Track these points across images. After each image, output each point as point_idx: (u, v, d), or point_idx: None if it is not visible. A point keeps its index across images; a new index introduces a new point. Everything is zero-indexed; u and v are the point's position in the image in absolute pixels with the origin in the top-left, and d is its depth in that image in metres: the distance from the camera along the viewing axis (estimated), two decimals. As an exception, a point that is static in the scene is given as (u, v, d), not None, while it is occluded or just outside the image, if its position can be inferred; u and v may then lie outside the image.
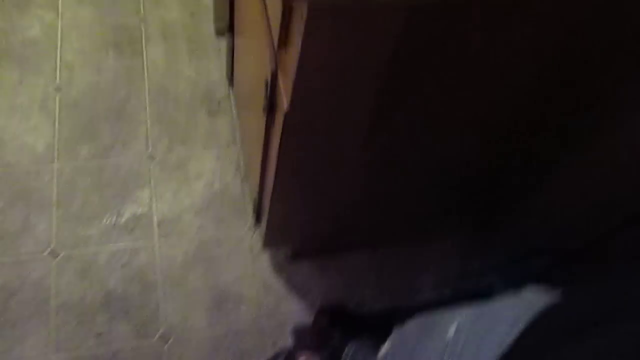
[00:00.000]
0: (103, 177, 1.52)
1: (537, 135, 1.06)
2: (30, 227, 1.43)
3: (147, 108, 1.64)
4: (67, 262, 1.40)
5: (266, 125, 0.97)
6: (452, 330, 0.65)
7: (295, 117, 0.79)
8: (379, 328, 0.94)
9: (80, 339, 1.32)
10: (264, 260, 1.47)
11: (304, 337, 1.39)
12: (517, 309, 0.60)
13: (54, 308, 1.34)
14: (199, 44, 1.79)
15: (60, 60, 1.69)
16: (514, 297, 0.63)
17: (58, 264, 1.39)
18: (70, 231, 1.44)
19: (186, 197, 1.53)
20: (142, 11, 1.83)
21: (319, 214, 1.25)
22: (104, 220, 1.46)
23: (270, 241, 1.40)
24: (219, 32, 1.78)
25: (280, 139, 0.85)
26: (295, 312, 1.43)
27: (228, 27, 1.48)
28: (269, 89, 0.89)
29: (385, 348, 0.86)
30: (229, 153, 1.61)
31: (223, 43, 1.71)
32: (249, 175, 1.50)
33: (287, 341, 1.39)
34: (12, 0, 1.76)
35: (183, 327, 1.37)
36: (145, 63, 1.72)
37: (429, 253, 1.54)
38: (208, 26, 1.82)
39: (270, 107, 0.91)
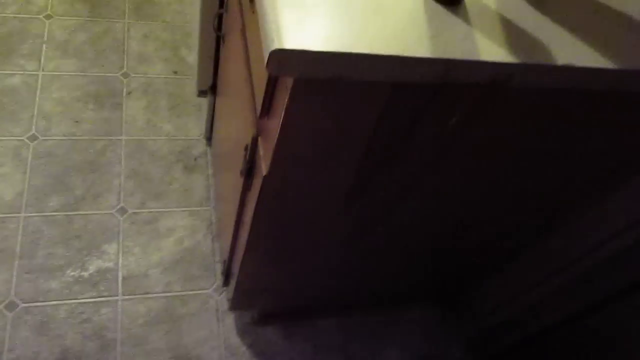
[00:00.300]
0: (71, 229, 1.50)
1: (511, 218, 1.10)
2: (-11, 277, 1.38)
3: (123, 161, 1.65)
4: (25, 315, 1.35)
5: (243, 188, 0.98)
6: None
7: (273, 182, 0.81)
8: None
9: (29, 399, 1.25)
10: (229, 322, 1.44)
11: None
12: None
13: (5, 364, 1.28)
14: (180, 101, 1.82)
15: (38, 110, 1.69)
16: None
17: (15, 317, 1.34)
18: (31, 283, 1.39)
19: (155, 253, 1.51)
20: (125, 66, 1.87)
21: (290, 279, 1.25)
22: (68, 273, 1.43)
23: (237, 304, 1.38)
24: (200, 92, 1.82)
25: (257, 202, 0.86)
26: (259, 378, 1.39)
27: (210, 87, 1.52)
28: (248, 152, 0.91)
29: None
30: (202, 211, 1.61)
31: (204, 102, 1.75)
32: (221, 235, 1.49)
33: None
34: (5, 50, 1.78)
35: (140, 390, 1.31)
36: (124, 117, 1.74)
37: (398, 324, 1.54)
38: (190, 84, 1.86)
39: (249, 171, 0.93)
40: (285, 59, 0.57)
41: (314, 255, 1.12)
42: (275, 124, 0.74)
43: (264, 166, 0.80)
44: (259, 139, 0.86)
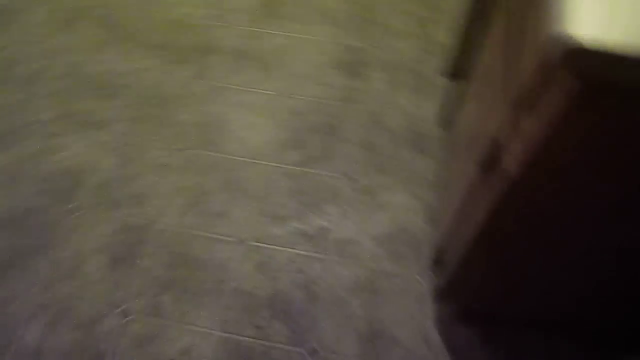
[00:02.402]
0: (301, 184, 1.62)
1: None
2: (230, 211, 1.57)
3: (357, 130, 1.71)
4: (251, 252, 1.51)
5: (479, 181, 0.93)
6: None
7: (520, 187, 0.74)
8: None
9: (241, 325, 1.41)
10: (429, 311, 1.42)
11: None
12: None
13: (229, 290, 1.45)
14: (424, 81, 1.81)
15: (294, 69, 1.84)
16: None
17: (243, 251, 1.51)
18: (261, 225, 1.55)
19: (369, 223, 1.54)
20: (376, 37, 1.91)
21: (512, 287, 1.16)
22: (292, 224, 1.55)
23: (442, 294, 1.34)
24: (446, 73, 1.78)
25: (496, 203, 0.80)
26: (447, 374, 1.35)
27: (458, 69, 1.47)
28: (493, 147, 0.85)
29: None
30: (425, 194, 1.59)
31: (448, 83, 1.70)
32: (439, 222, 1.46)
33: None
34: (275, 13, 1.98)
35: (332, 348, 1.38)
36: (366, 87, 1.79)
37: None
38: (436, 64, 1.83)
39: (489, 166, 0.86)
40: (582, 55, 0.49)
41: (546, 272, 1.02)
42: (538, 124, 0.66)
43: (513, 166, 0.73)
44: (512, 135, 0.79)
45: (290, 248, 1.52)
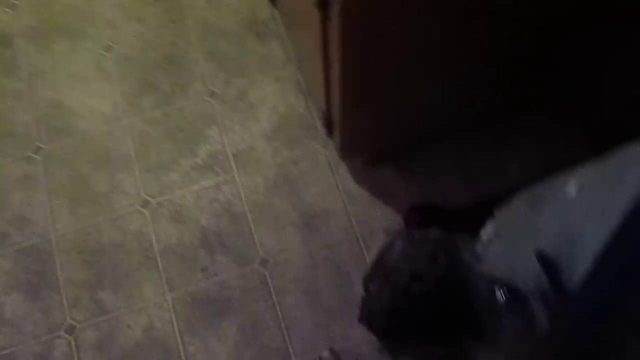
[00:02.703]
0: (171, 123, 1.54)
1: None
2: (118, 184, 1.48)
3: (196, 46, 1.63)
4: (159, 209, 1.45)
5: (322, 22, 0.92)
6: (572, 189, 0.59)
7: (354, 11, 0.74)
8: (472, 221, 0.91)
9: (187, 276, 1.39)
10: (344, 171, 1.46)
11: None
12: None
13: (158, 253, 1.41)
14: (231, -30, 1.73)
15: (102, 20, 1.69)
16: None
17: (151, 213, 1.45)
18: (154, 180, 1.48)
19: (254, 126, 1.53)
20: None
21: (392, 110, 1.21)
22: (183, 164, 1.50)
23: (346, 150, 1.38)
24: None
25: (341, 29, 0.80)
26: (385, 216, 1.42)
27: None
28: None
29: (487, 233, 0.81)
30: (287, 73, 1.58)
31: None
32: (313, 89, 1.47)
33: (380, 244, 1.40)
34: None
35: (279, 249, 1.40)
36: (183, 1, 1.69)
37: (512, 139, 1.47)
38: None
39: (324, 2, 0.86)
40: None
41: (411, 77, 1.06)
42: None
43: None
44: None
45: (193, 186, 1.48)
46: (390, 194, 1.44)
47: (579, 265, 0.49)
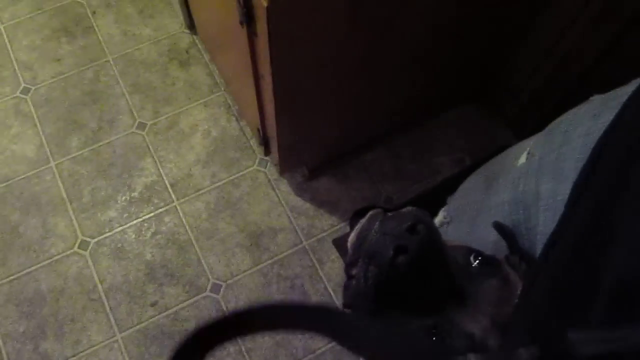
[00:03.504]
0: (102, 160, 1.50)
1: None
2: (51, 228, 1.42)
3: (120, 80, 1.60)
4: (100, 249, 1.40)
5: (249, 38, 0.94)
6: (523, 157, 0.59)
7: (276, 13, 0.77)
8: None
9: (138, 313, 1.34)
10: (285, 187, 1.48)
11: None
12: (593, 106, 0.52)
13: (103, 294, 1.36)
14: (146, 3, 1.72)
15: (17, 62, 1.63)
16: (583, 105, 0.55)
17: (91, 253, 1.40)
18: (91, 220, 1.43)
19: (189, 153, 1.51)
20: (77, -12, 1.75)
21: (326, 120, 1.24)
22: (119, 199, 1.46)
23: (285, 165, 1.40)
24: (162, -16, 1.71)
25: (269, 41, 0.83)
26: (330, 225, 1.45)
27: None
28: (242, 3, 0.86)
29: (440, 218, 0.81)
30: (215, 97, 1.58)
31: (170, -7, 1.65)
32: (244, 110, 1.48)
33: (331, 252, 1.42)
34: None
35: (229, 272, 1.39)
36: (100, 38, 1.66)
37: (439, 132, 1.54)
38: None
39: (248, 17, 0.88)
40: None
41: (339, 88, 1.10)
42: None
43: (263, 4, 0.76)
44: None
45: (132, 220, 1.44)
46: (333, 202, 1.47)
47: (540, 225, 0.52)
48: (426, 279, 0.42)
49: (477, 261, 0.45)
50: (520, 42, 1.31)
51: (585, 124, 0.51)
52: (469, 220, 0.68)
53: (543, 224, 0.50)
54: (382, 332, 0.34)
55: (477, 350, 0.41)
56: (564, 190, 0.48)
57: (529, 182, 0.55)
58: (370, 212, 0.49)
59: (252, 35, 0.93)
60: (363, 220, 0.49)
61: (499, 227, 0.55)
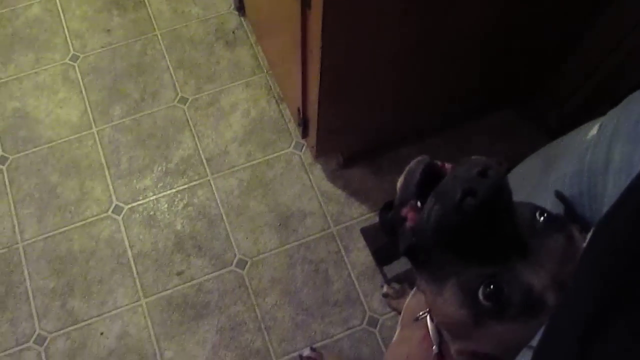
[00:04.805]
0: (142, 130, 1.54)
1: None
2: (88, 192, 1.46)
3: (166, 55, 1.64)
4: (132, 215, 1.43)
5: (302, 14, 0.96)
6: (594, 129, 0.56)
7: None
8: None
9: (163, 281, 1.36)
10: (318, 172, 1.49)
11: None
12: None
13: (132, 259, 1.38)
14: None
15: (68, 31, 1.68)
16: None
17: (124, 218, 1.43)
18: (126, 187, 1.46)
19: (227, 130, 1.53)
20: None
21: (368, 109, 1.24)
22: (155, 170, 1.49)
23: (321, 150, 1.41)
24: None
25: (323, 12, 0.84)
26: (360, 214, 1.45)
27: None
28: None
29: None
30: (257, 79, 1.60)
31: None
32: (286, 91, 1.49)
33: (358, 241, 1.42)
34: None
35: (256, 250, 1.40)
36: (150, 13, 1.70)
37: (480, 135, 1.53)
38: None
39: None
40: None
41: (386, 76, 1.11)
42: None
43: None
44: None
45: (166, 191, 1.46)
46: (364, 192, 1.47)
47: (609, 189, 0.49)
48: (492, 226, 0.41)
49: (543, 217, 0.44)
50: (574, 49, 1.30)
51: None
52: (523, 198, 0.68)
53: (612, 187, 0.49)
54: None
55: (533, 305, 0.41)
56: None
57: (598, 151, 0.53)
58: (417, 158, 0.49)
59: (305, 8, 0.94)
60: (411, 163, 0.49)
61: (560, 195, 0.54)
